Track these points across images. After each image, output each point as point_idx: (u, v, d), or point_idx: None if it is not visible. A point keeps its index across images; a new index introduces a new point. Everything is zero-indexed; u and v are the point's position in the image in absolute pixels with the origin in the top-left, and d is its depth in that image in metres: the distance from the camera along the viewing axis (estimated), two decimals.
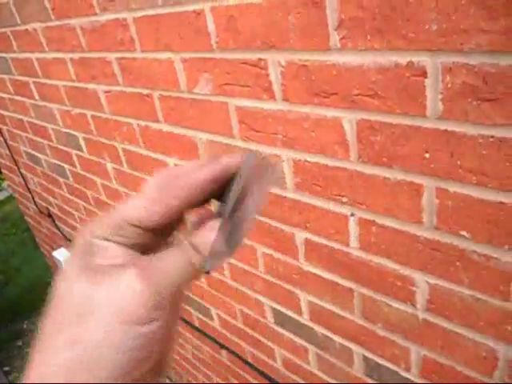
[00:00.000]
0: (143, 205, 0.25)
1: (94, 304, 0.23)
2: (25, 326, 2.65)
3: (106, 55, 1.07)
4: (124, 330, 0.23)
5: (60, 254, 2.28)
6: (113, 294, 0.23)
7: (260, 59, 0.70)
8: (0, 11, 1.42)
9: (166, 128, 1.02)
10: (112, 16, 0.96)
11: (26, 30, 1.34)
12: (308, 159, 0.73)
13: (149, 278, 0.24)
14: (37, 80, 1.48)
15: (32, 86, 1.55)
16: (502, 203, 0.53)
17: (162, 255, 0.26)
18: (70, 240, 2.16)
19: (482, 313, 0.63)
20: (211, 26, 0.75)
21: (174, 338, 0.28)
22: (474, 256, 0.59)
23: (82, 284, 0.23)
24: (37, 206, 2.30)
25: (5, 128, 2.05)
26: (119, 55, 1.02)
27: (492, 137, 0.51)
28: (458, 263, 0.62)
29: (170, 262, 0.25)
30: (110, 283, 0.23)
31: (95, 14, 1.01)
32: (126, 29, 0.94)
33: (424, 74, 0.52)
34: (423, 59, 0.52)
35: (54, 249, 2.40)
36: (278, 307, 1.04)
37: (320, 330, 0.96)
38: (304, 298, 0.94)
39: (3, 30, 1.48)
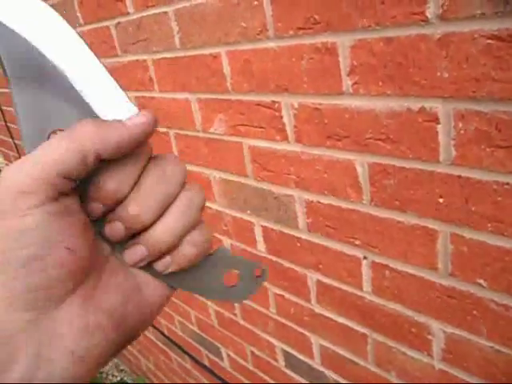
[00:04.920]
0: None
1: None
2: None
3: None
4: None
5: None
6: None
7: (274, 101, 0.71)
8: None
9: None
10: (133, 57, 1.00)
11: None
12: (321, 200, 0.73)
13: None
14: None
15: None
16: None
17: None
18: None
19: (503, 366, 0.60)
20: (227, 69, 0.77)
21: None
22: (492, 305, 0.57)
23: None
24: None
25: None
26: (138, 94, 1.05)
27: (507, 184, 0.50)
28: (475, 312, 0.60)
29: None
30: None
31: (116, 55, 1.05)
32: (145, 69, 0.98)
33: (436, 120, 0.52)
34: (435, 105, 0.52)
35: None
36: (290, 350, 1.01)
37: (331, 374, 0.92)
38: (316, 341, 0.91)
39: None
